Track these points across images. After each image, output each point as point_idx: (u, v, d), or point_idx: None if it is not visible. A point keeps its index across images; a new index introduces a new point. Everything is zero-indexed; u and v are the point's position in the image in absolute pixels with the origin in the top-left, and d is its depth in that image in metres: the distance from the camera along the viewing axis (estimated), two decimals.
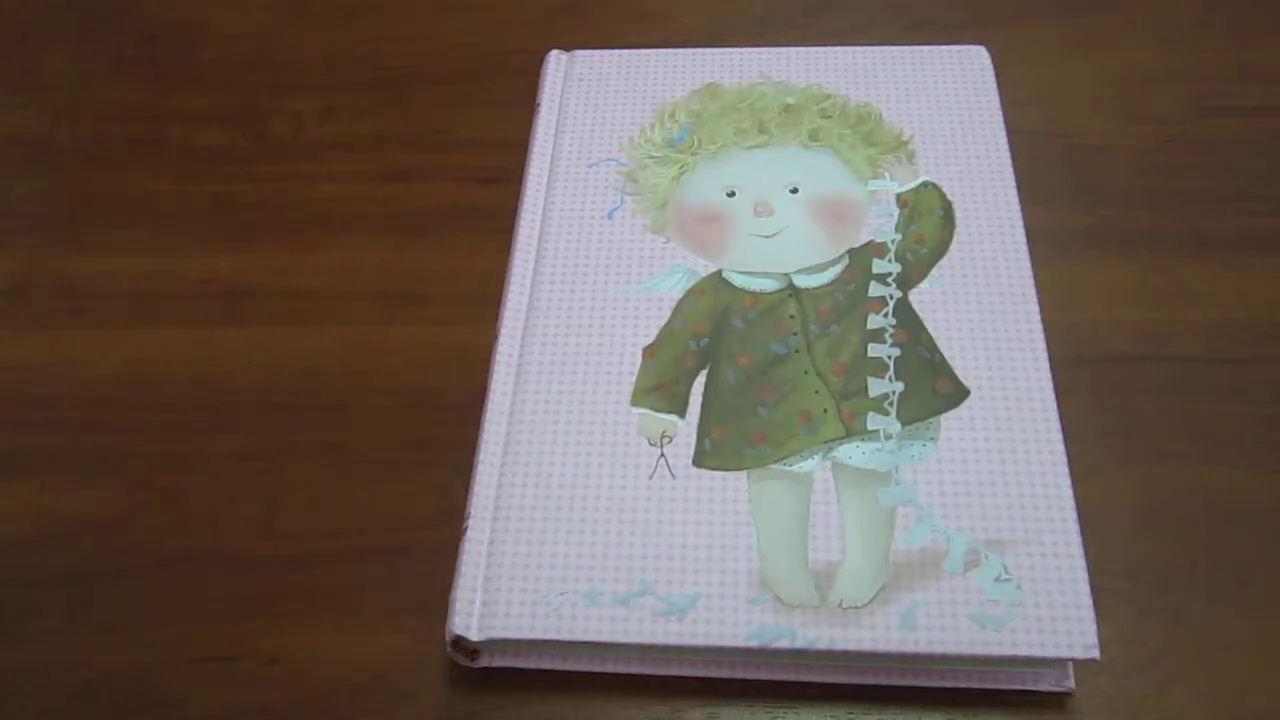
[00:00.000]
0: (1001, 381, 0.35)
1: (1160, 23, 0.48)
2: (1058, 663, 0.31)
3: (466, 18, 0.51)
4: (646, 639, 0.31)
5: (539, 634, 0.31)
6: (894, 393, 0.35)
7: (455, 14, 0.51)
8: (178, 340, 0.41)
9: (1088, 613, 0.30)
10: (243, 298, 0.42)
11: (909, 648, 0.30)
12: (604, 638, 0.31)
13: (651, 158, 0.42)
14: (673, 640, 0.31)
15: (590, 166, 0.42)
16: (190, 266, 0.43)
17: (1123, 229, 0.42)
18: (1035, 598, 0.31)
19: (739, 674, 0.32)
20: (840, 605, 0.31)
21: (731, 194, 0.40)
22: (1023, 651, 0.30)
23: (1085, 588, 0.30)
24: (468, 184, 0.45)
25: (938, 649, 0.30)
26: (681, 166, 0.41)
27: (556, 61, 0.45)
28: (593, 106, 0.44)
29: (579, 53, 0.45)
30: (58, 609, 0.35)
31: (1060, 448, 0.34)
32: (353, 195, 0.45)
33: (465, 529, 0.33)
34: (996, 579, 0.31)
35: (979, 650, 0.30)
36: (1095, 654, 0.29)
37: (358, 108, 0.47)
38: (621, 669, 0.33)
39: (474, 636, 0.31)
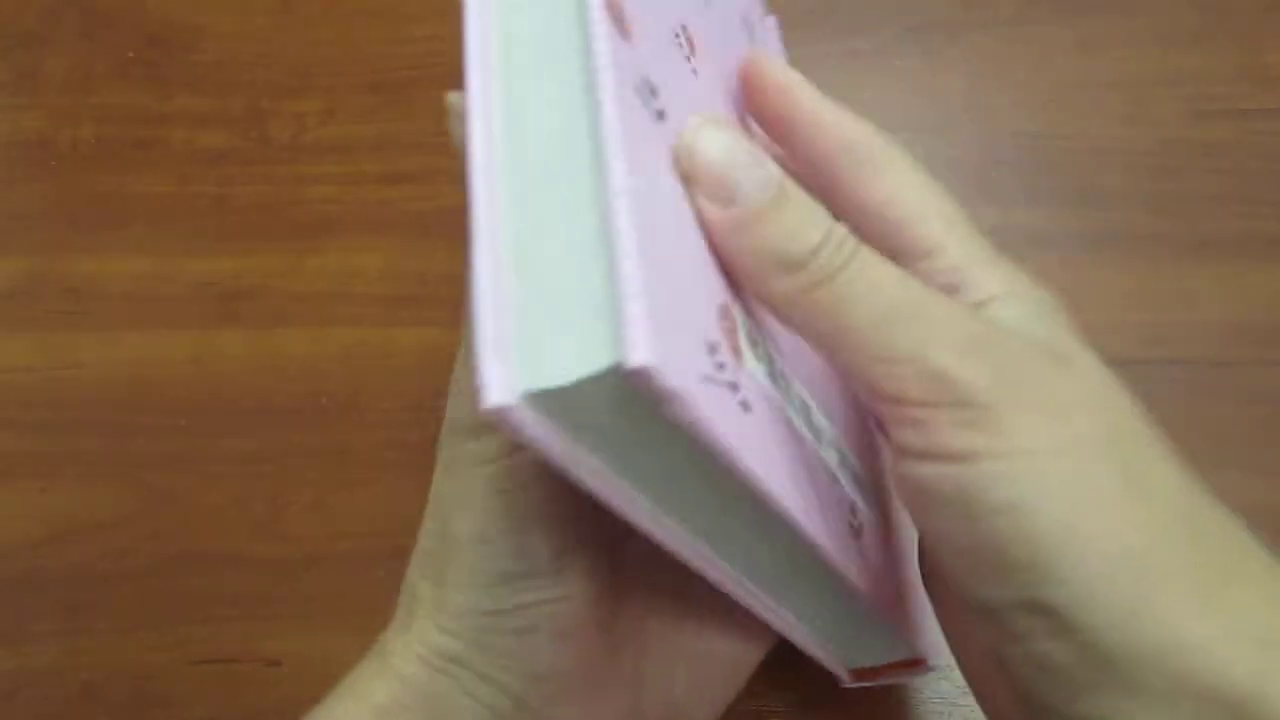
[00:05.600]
0: None
1: (1161, 25, 0.48)
2: None
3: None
4: None
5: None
6: None
7: (456, 17, 0.51)
8: (179, 342, 0.41)
9: None
10: (244, 299, 0.42)
11: None
12: None
13: None
14: None
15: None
16: (191, 268, 0.43)
17: (1123, 232, 0.42)
18: None
19: None
20: None
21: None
22: None
23: None
24: None
25: None
26: None
27: None
28: None
29: None
30: (58, 611, 0.35)
31: None
32: (354, 197, 0.45)
33: None
34: None
35: None
36: None
37: (359, 110, 0.47)
38: None
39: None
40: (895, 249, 0.22)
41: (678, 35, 0.24)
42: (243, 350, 0.41)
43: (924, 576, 0.26)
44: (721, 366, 0.19)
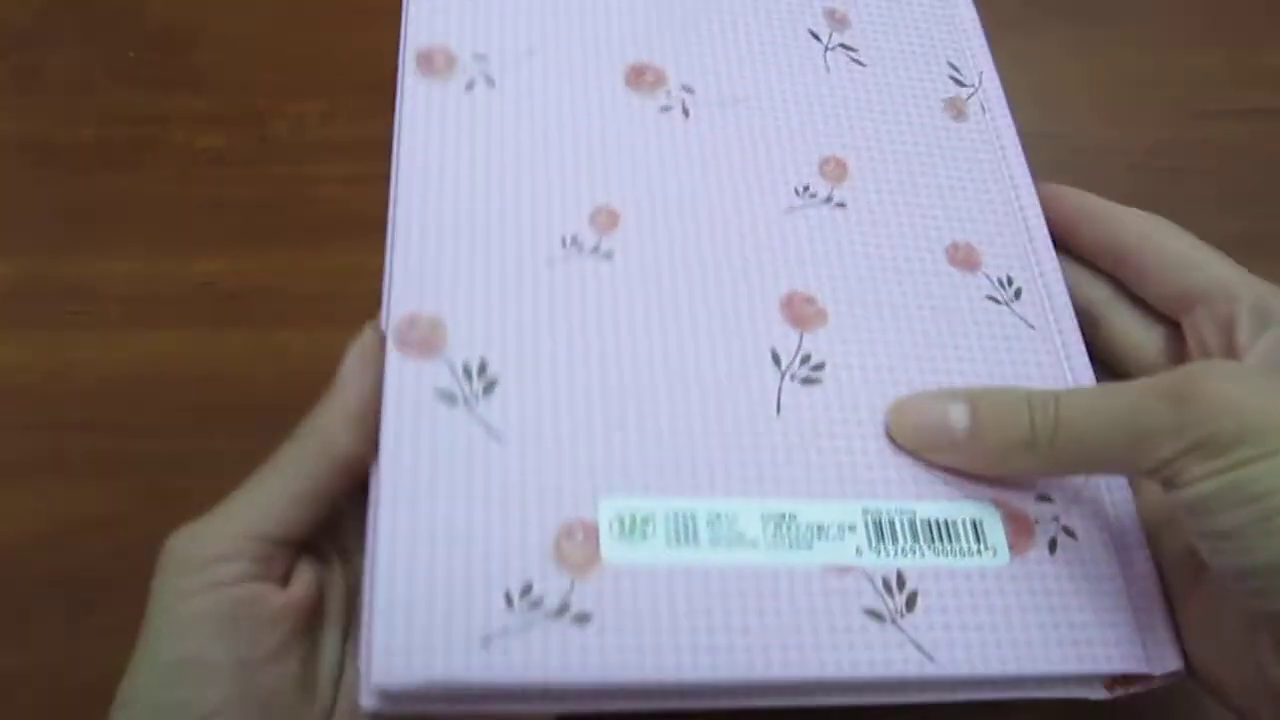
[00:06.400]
0: None
1: (1161, 25, 0.48)
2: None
3: None
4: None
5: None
6: None
7: None
8: (179, 342, 0.41)
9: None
10: (244, 300, 0.42)
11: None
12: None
13: None
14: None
15: None
16: (191, 268, 0.43)
17: None
18: None
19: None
20: None
21: None
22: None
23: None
24: None
25: None
26: None
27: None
28: None
29: None
30: (59, 611, 0.35)
31: None
32: (354, 197, 0.45)
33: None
34: None
35: None
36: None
37: (359, 110, 0.47)
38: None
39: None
40: (1180, 290, 0.29)
41: (567, 241, 0.28)
42: (243, 350, 0.41)
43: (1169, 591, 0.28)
44: (535, 604, 0.23)
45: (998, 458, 0.26)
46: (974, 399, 0.26)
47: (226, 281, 0.42)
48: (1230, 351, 0.28)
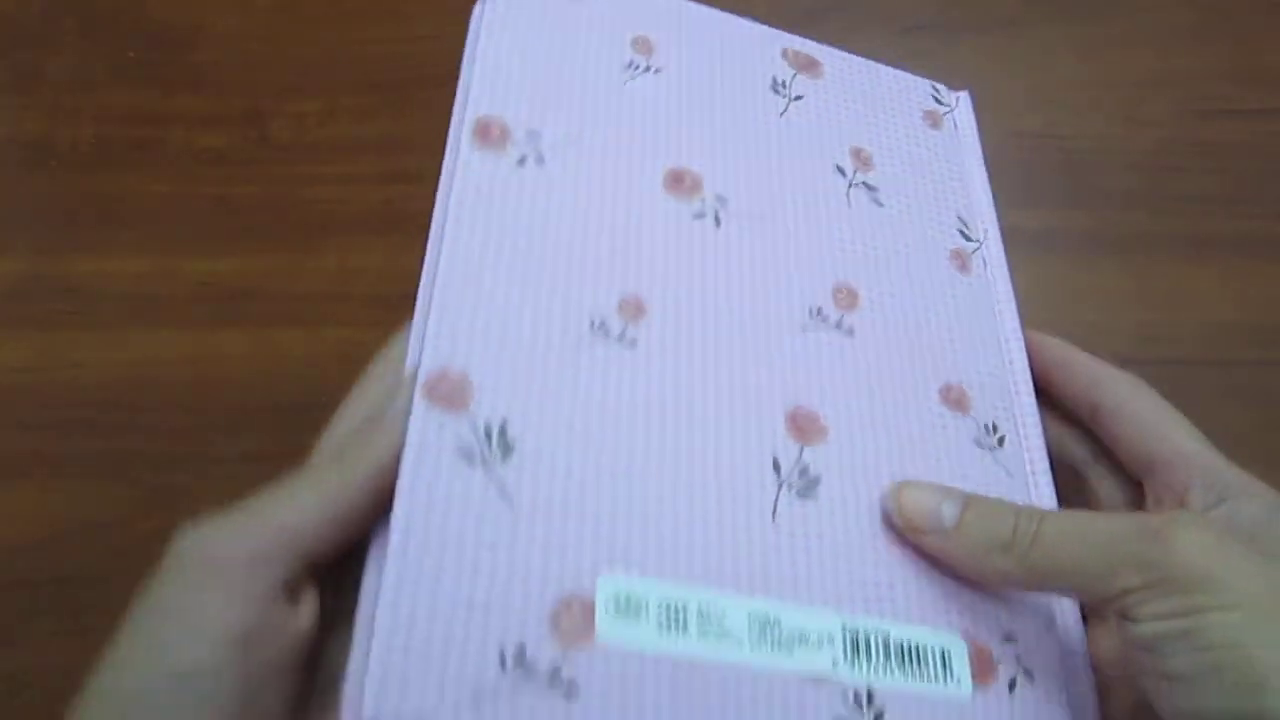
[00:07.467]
0: None
1: (1161, 26, 0.48)
2: None
3: (468, 21, 0.51)
4: None
5: None
6: None
7: (457, 17, 0.51)
8: (178, 342, 0.41)
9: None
10: (243, 299, 0.42)
11: None
12: None
13: None
14: None
15: None
16: (191, 268, 0.43)
17: (1120, 231, 0.42)
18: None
19: None
20: None
21: None
22: None
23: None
24: None
25: None
26: None
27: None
28: None
29: None
30: (58, 610, 0.35)
31: None
32: (354, 197, 0.45)
33: None
34: None
35: None
36: None
37: (359, 110, 0.47)
38: None
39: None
40: (1146, 455, 0.30)
41: (595, 325, 0.29)
42: (243, 350, 0.41)
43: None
44: (528, 669, 0.24)
45: (977, 552, 0.27)
46: (970, 499, 0.28)
47: (226, 281, 0.42)
48: None
